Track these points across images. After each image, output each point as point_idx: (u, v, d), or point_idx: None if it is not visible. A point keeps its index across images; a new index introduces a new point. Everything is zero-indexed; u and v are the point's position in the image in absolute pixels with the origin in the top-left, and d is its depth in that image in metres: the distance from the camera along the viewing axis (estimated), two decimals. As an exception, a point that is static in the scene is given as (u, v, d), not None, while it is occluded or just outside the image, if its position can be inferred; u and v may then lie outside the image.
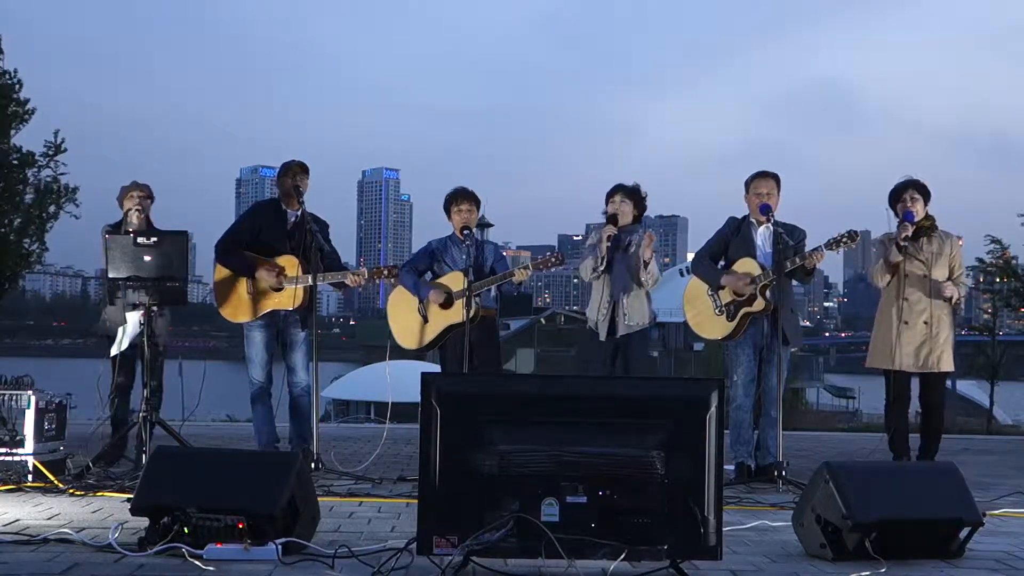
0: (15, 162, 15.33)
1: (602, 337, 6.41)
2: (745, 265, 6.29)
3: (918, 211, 6.40)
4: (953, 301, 6.36)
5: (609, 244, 6.33)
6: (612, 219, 6.41)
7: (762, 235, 6.36)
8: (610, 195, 6.56)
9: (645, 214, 6.69)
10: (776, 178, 6.45)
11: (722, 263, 6.47)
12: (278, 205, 6.49)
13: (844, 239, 6.08)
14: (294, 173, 6.35)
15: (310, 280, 6.18)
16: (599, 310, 6.43)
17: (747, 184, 6.50)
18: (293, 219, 6.38)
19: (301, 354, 6.47)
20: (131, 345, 6.36)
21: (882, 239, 6.58)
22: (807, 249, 6.19)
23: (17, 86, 15.57)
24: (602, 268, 6.40)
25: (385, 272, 6.54)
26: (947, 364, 6.37)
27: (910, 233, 6.27)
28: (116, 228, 6.58)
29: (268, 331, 6.46)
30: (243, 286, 6.34)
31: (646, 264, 6.32)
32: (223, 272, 6.44)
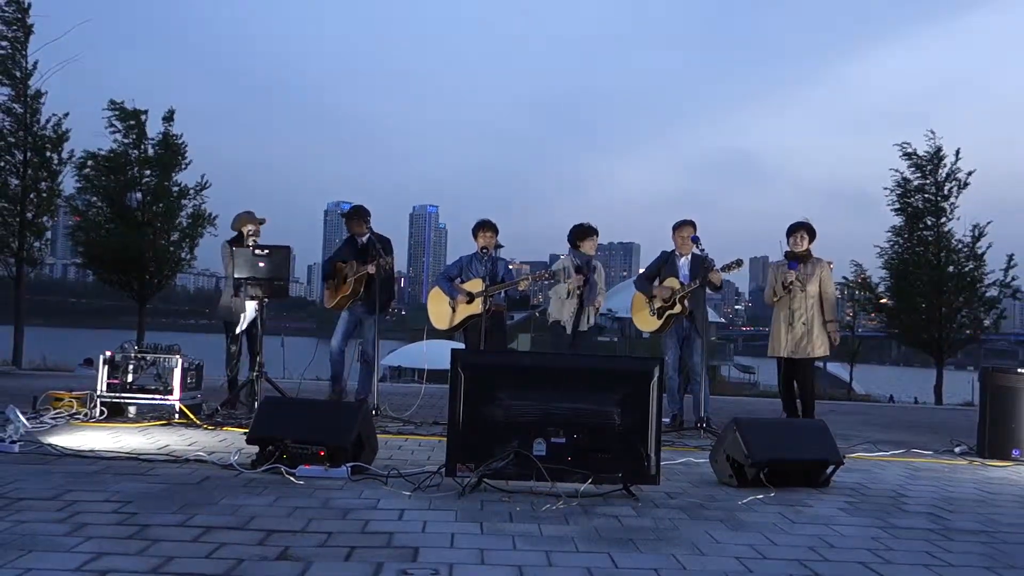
0: (175, 195, 15.56)
1: (568, 331, 6.55)
2: (670, 282, 6.51)
3: (803, 247, 6.46)
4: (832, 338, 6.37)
5: (580, 291, 6.49)
6: (580, 270, 6.54)
7: (683, 263, 6.56)
8: (589, 235, 6.62)
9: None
10: (693, 224, 6.57)
11: (657, 282, 6.64)
12: (352, 236, 6.77)
13: (733, 265, 6.23)
14: (350, 220, 6.71)
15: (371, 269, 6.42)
16: (570, 314, 6.52)
17: (674, 228, 6.65)
18: (362, 242, 6.63)
19: (369, 330, 6.60)
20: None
21: (773, 267, 6.68)
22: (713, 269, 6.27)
23: (183, 147, 15.74)
24: (574, 298, 6.55)
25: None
26: (819, 351, 6.36)
27: (793, 279, 6.35)
28: (234, 242, 6.56)
29: (351, 316, 6.68)
30: (336, 288, 6.64)
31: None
32: (330, 284, 6.76)
